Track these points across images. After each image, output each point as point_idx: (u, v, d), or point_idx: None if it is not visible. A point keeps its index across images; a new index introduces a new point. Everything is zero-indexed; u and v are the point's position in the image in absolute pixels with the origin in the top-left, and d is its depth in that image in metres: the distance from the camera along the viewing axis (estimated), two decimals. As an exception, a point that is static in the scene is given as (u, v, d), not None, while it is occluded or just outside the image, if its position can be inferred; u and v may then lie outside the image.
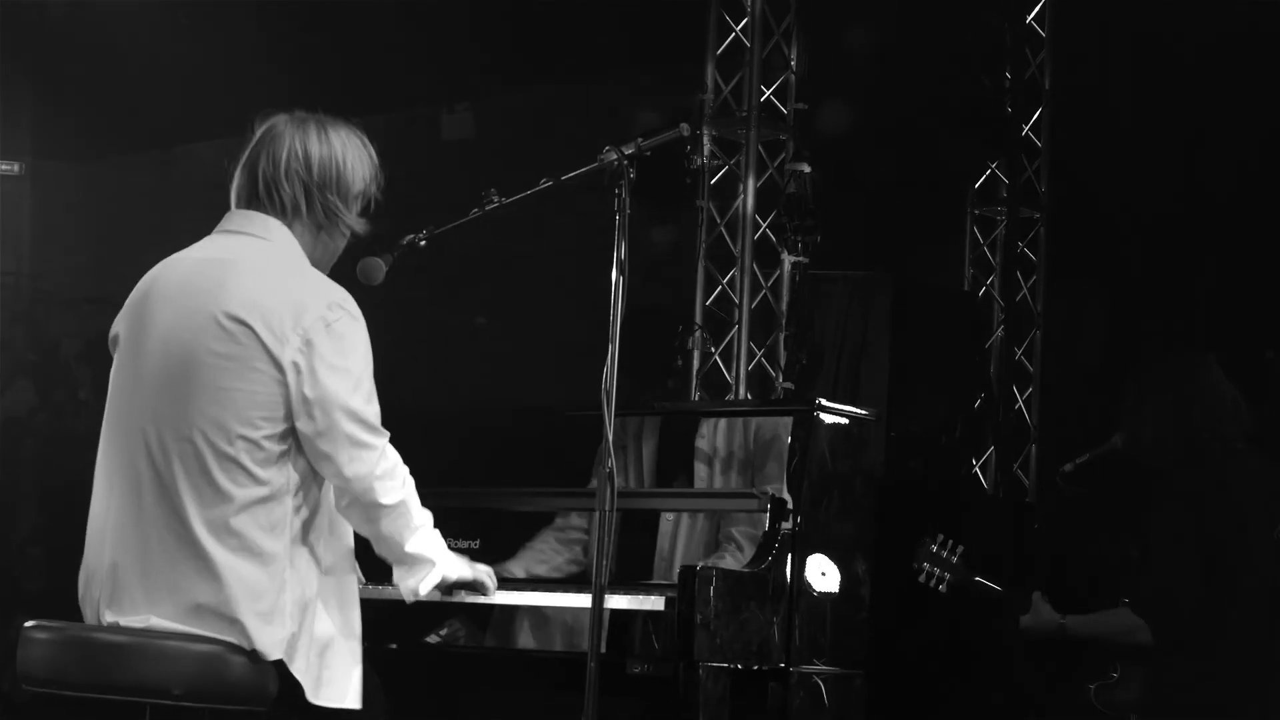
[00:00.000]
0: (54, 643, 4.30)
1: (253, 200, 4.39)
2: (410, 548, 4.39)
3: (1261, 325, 8.02)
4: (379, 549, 4.41)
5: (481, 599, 4.69)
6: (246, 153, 4.44)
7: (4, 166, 12.51)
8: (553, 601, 4.92)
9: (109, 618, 4.25)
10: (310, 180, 4.36)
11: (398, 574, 4.45)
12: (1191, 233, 8.45)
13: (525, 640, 5.04)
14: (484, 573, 4.63)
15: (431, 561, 4.43)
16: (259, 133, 4.45)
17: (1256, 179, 8.17)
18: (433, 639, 5.13)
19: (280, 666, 4.18)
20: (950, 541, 5.99)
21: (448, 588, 4.52)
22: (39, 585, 10.85)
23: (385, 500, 4.29)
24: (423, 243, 4.72)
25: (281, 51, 10.75)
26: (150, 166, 13.40)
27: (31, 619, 4.40)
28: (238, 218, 4.40)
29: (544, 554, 5.58)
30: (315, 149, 4.37)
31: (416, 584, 4.44)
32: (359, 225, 4.46)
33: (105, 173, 13.70)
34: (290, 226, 4.37)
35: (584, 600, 4.72)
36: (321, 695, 4.24)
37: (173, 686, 4.13)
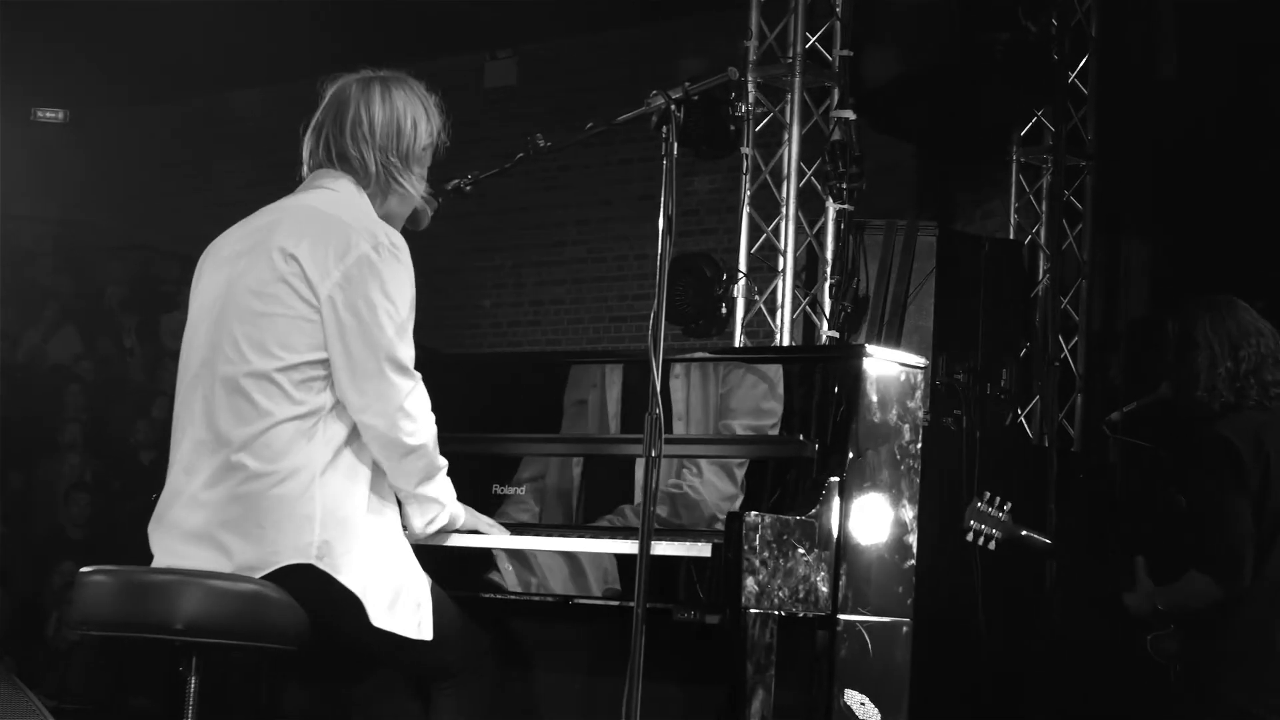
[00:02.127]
0: (98, 585, 4.39)
1: (323, 164, 4.54)
2: (423, 489, 4.56)
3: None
4: (393, 483, 4.53)
5: (501, 542, 4.89)
6: (315, 117, 4.58)
7: (49, 114, 12.56)
8: (597, 548, 4.91)
9: (167, 541, 4.40)
10: (373, 141, 4.49)
11: (408, 513, 4.61)
12: (1239, 180, 8.38)
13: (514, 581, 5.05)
14: (486, 525, 4.86)
15: (441, 504, 4.62)
16: (326, 96, 4.59)
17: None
18: None
19: (343, 593, 4.29)
20: (997, 498, 5.96)
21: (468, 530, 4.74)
22: (83, 533, 10.91)
23: (408, 441, 4.43)
24: (468, 188, 4.72)
25: (322, 0, 10.74)
26: (193, 113, 13.43)
27: (77, 565, 4.45)
28: (309, 179, 4.56)
29: (525, 503, 5.57)
30: (378, 111, 4.50)
31: (423, 525, 4.62)
32: (421, 187, 4.59)
33: (149, 120, 13.74)
34: (364, 187, 4.50)
35: (626, 547, 4.71)
36: (385, 619, 4.36)
37: (187, 622, 4.24)
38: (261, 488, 4.30)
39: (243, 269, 4.41)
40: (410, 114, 4.54)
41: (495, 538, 4.91)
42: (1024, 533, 5.96)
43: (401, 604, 4.40)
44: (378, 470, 4.48)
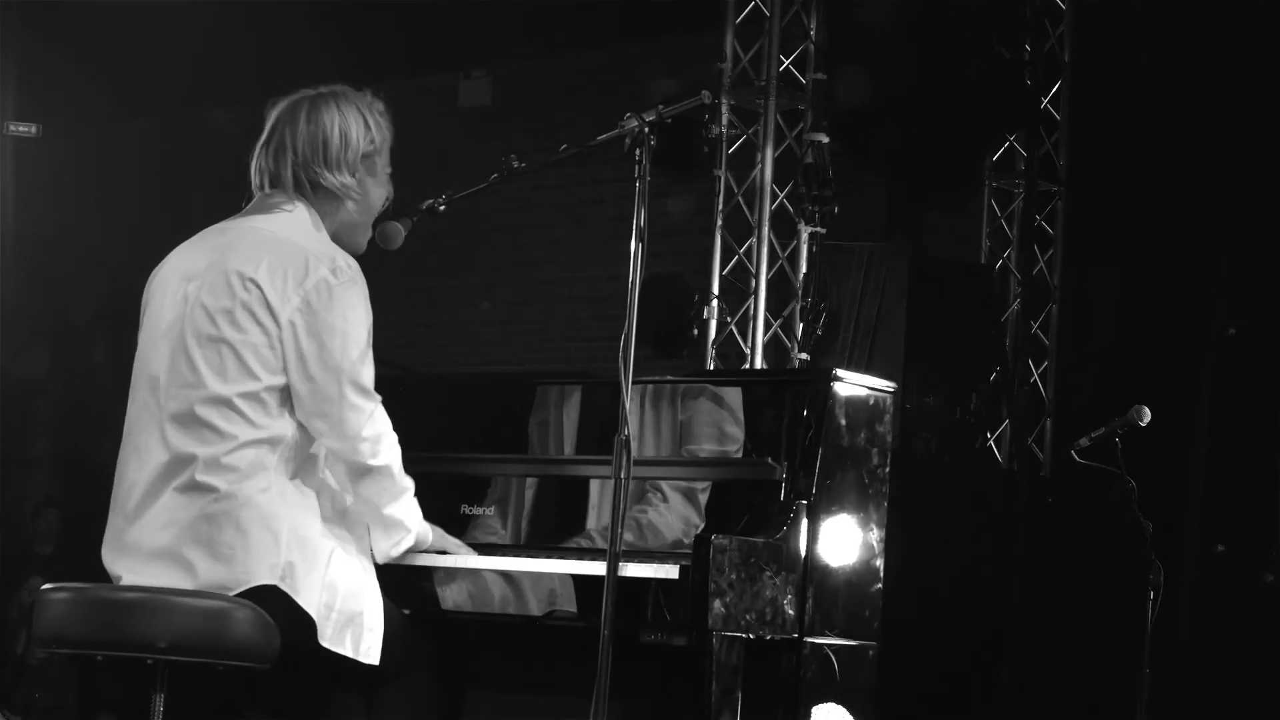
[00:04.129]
0: (69, 602, 4.35)
1: (264, 185, 4.57)
2: (389, 511, 4.56)
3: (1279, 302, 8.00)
4: (358, 507, 4.57)
5: (473, 562, 4.90)
6: (259, 141, 4.61)
7: (21, 128, 12.51)
8: (565, 569, 4.91)
9: (124, 562, 4.38)
10: (297, 159, 4.51)
11: (374, 535, 4.61)
12: (1210, 209, 8.41)
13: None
14: (454, 546, 4.88)
15: (408, 528, 4.62)
16: (268, 120, 4.61)
17: (1277, 154, 8.13)
18: None
19: (300, 615, 4.28)
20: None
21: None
22: (51, 548, 10.87)
23: (371, 462, 4.45)
24: (442, 208, 4.73)
25: (298, 17, 10.73)
26: (166, 131, 13.40)
27: (44, 582, 4.43)
28: (259, 199, 4.57)
29: (492, 524, 5.56)
30: (302, 128, 4.52)
31: (389, 547, 4.62)
32: (378, 191, 4.59)
33: (122, 136, 13.70)
34: (311, 204, 4.52)
35: (595, 569, 4.71)
36: (332, 640, 4.36)
37: (169, 641, 4.21)
38: (231, 507, 4.29)
39: (199, 291, 4.41)
40: (337, 125, 4.53)
41: (462, 557, 4.91)
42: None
43: (354, 627, 4.39)
44: (338, 491, 4.50)
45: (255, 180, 4.58)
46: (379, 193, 4.62)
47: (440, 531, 4.84)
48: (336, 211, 4.55)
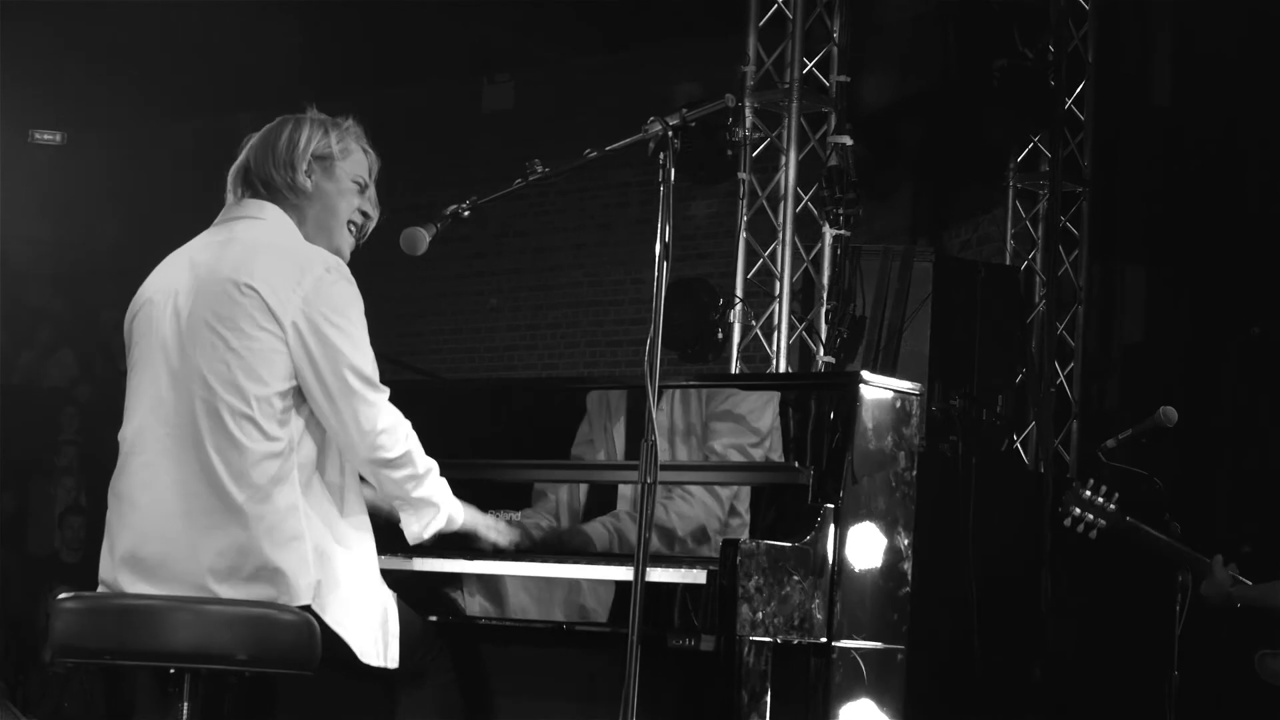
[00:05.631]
0: (88, 611, 4.35)
1: (230, 197, 4.68)
2: (417, 494, 4.58)
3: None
4: (383, 497, 4.61)
5: (499, 568, 4.89)
6: None
7: (47, 136, 12.55)
8: (592, 574, 4.91)
9: (141, 587, 4.37)
10: (251, 166, 4.62)
11: (404, 519, 4.64)
12: (1233, 208, 8.39)
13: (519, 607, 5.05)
14: (485, 527, 4.88)
15: (436, 505, 4.63)
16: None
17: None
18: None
19: (320, 623, 4.30)
20: (1103, 486, 5.92)
21: (470, 534, 4.79)
22: (78, 556, 10.89)
23: (390, 454, 4.48)
24: (466, 213, 4.71)
25: (321, 22, 10.75)
26: (190, 136, 13.42)
27: (69, 590, 4.44)
28: (227, 208, 4.67)
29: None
30: (257, 140, 4.66)
31: (421, 528, 4.64)
32: (332, 189, 4.63)
33: (146, 143, 13.73)
34: (277, 206, 4.60)
35: (622, 573, 4.71)
36: (368, 653, 4.39)
37: (226, 650, 4.22)
38: (267, 531, 4.30)
39: (195, 305, 4.44)
40: (288, 131, 4.62)
41: (486, 563, 4.91)
42: (1134, 522, 5.90)
43: (377, 638, 4.43)
44: (342, 497, 4.50)
45: (228, 199, 4.69)
46: (342, 202, 4.64)
47: (473, 509, 4.82)
48: (299, 215, 4.60)
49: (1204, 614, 5.87)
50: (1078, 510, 5.91)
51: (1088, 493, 5.92)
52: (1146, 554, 5.96)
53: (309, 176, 4.59)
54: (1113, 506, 5.91)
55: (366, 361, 4.44)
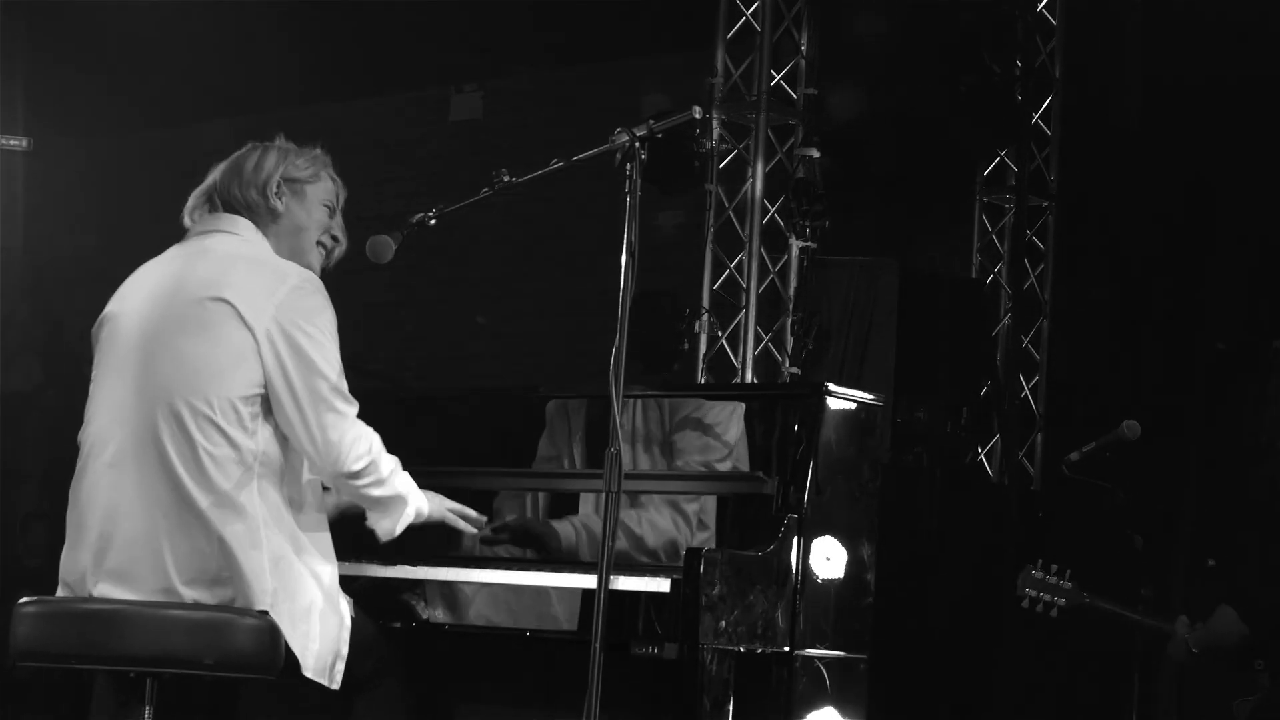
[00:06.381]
0: (50, 616, 4.39)
1: (193, 216, 4.73)
2: (380, 494, 4.58)
3: (1269, 316, 8.01)
4: (347, 502, 4.65)
5: (464, 575, 4.90)
6: None
7: (12, 142, 12.49)
8: (555, 582, 4.91)
9: (104, 589, 4.40)
10: (218, 185, 4.69)
11: (372, 518, 4.65)
12: (1199, 223, 8.42)
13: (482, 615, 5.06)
14: (452, 517, 4.87)
15: (404, 499, 4.64)
16: None
17: (1265, 168, 8.15)
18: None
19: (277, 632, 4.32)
20: (1053, 565, 5.93)
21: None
22: (40, 561, 10.85)
23: (356, 466, 4.48)
24: (432, 221, 4.73)
25: (290, 30, 10.73)
26: (158, 144, 13.39)
27: (32, 595, 4.43)
28: (197, 222, 4.71)
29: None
30: (226, 163, 4.72)
31: (393, 524, 4.65)
32: (296, 206, 4.66)
33: (113, 150, 13.69)
34: (253, 220, 4.65)
35: (586, 581, 4.71)
36: (310, 667, 4.39)
37: (189, 655, 4.24)
38: (228, 535, 4.32)
39: (163, 315, 4.46)
40: (256, 155, 4.69)
41: (455, 570, 4.92)
42: (1092, 600, 5.92)
43: (324, 653, 4.43)
44: (303, 511, 4.51)
45: (185, 219, 4.72)
46: (312, 222, 4.68)
47: (438, 498, 4.83)
48: (270, 233, 4.63)
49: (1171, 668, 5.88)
50: (1033, 592, 5.92)
51: (1038, 574, 5.93)
52: (1109, 627, 5.98)
53: (279, 198, 4.64)
54: (1068, 584, 5.91)
55: (338, 374, 4.46)
